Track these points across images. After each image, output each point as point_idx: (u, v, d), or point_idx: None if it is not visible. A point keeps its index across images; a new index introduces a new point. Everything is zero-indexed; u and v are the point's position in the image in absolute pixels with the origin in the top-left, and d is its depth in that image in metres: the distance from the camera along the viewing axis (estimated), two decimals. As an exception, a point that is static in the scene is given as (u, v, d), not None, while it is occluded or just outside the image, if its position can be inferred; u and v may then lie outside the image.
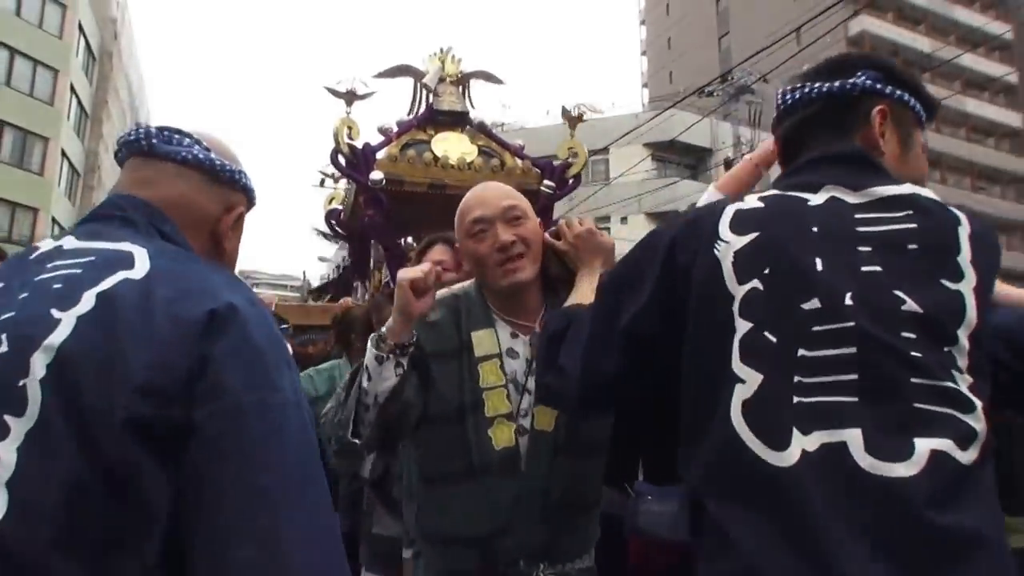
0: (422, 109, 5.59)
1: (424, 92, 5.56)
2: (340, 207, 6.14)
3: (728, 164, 21.86)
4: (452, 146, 5.31)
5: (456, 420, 1.53)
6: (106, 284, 0.83)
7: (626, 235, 26.77)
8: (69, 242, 0.94)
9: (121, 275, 0.84)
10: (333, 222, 6.20)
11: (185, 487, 0.76)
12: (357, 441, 1.62)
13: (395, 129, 5.31)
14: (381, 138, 5.30)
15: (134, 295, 0.82)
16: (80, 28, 26.61)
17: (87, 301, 0.81)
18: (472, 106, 5.69)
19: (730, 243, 1.01)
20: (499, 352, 1.59)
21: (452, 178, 5.12)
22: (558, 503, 1.51)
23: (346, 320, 3.75)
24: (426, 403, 1.54)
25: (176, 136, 1.06)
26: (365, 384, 1.46)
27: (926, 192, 1.02)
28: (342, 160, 5.00)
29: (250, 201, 1.14)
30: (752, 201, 1.06)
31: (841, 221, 0.99)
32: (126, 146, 1.06)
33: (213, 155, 1.06)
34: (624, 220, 27.01)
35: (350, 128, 4.98)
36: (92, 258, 0.88)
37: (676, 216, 1.26)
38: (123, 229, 0.95)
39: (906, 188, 1.02)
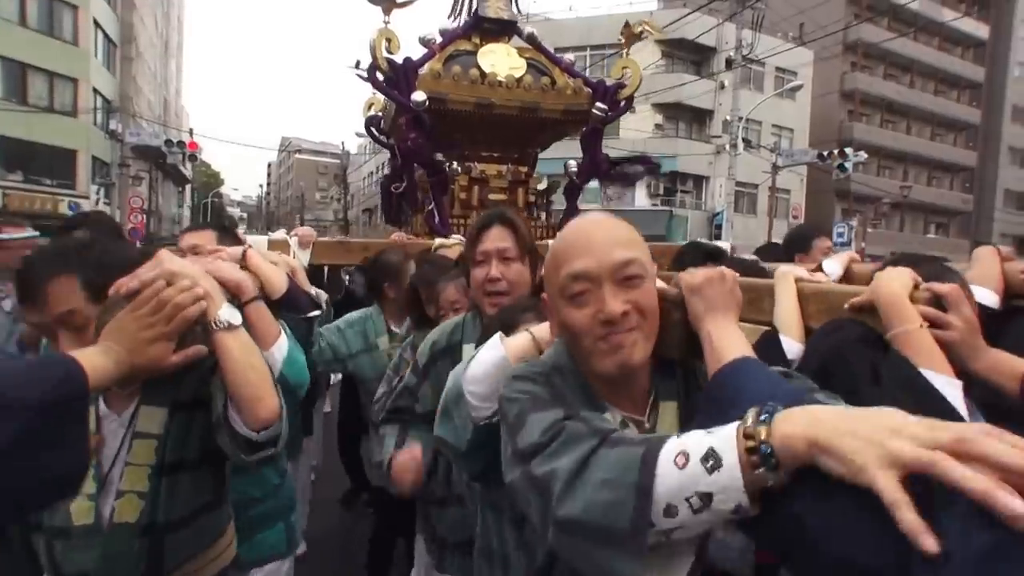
0: (465, 16, 4.50)
1: (469, -4, 4.46)
2: (379, 114, 5.16)
3: (729, 63, 20.58)
4: (499, 60, 4.37)
5: None
6: None
7: (634, 125, 25.60)
8: None
9: None
10: (373, 129, 5.22)
11: None
12: None
13: (439, 40, 4.26)
14: (422, 51, 4.25)
15: None
16: None
17: None
18: (519, 13, 4.59)
19: None
20: None
21: (500, 96, 4.29)
22: None
23: (378, 266, 2.97)
24: None
25: None
26: None
27: None
28: (380, 77, 3.98)
29: None
30: None
31: None
32: None
33: None
34: (632, 110, 25.67)
35: (389, 41, 4.05)
36: None
37: None
38: None
39: None
